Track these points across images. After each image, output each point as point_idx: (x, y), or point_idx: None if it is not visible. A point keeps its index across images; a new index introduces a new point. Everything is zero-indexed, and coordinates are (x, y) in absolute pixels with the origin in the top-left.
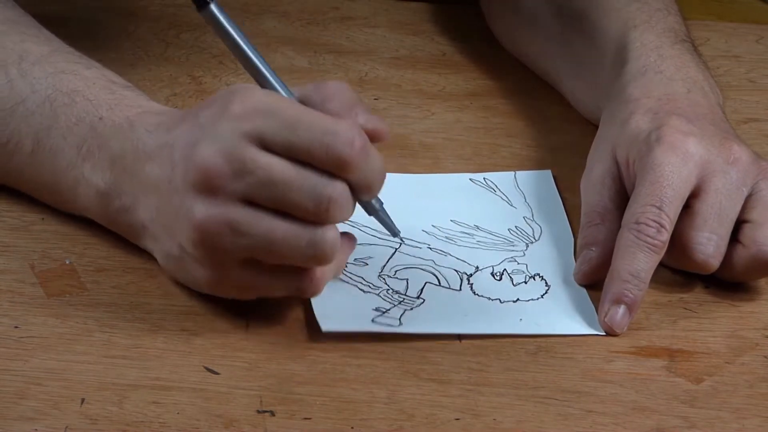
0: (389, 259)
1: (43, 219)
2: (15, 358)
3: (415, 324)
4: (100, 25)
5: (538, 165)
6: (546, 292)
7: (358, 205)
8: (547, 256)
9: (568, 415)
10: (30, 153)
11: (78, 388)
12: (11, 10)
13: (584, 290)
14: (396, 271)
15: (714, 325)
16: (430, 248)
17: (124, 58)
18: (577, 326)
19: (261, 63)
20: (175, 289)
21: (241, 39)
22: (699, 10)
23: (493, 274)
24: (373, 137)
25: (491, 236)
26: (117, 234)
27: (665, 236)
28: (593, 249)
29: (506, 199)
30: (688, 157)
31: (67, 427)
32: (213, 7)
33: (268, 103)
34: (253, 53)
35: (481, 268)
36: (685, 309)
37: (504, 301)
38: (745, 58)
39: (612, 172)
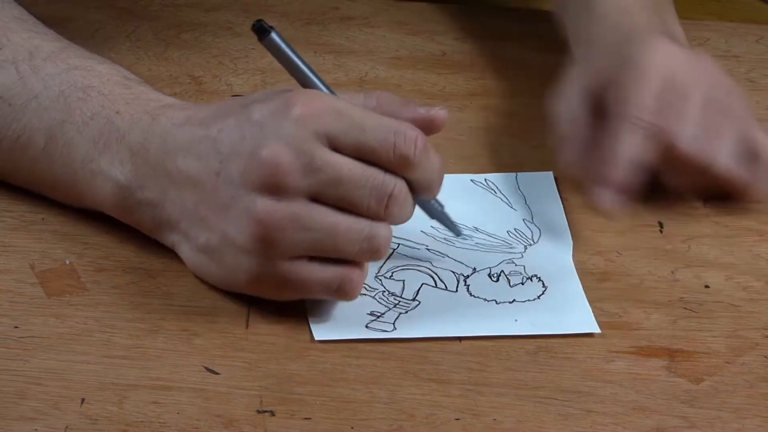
0: (386, 261)
1: (43, 219)
2: (15, 358)
3: (409, 328)
4: (100, 25)
5: (539, 165)
6: (543, 293)
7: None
8: (545, 258)
9: (568, 415)
10: (42, 148)
11: (78, 388)
12: (16, 9)
13: (581, 291)
14: (393, 273)
15: (714, 325)
16: (428, 249)
17: (124, 58)
18: (572, 326)
19: (320, 81)
20: (175, 289)
21: (300, 61)
22: (699, 10)
23: (490, 276)
24: (433, 124)
25: (490, 238)
26: (117, 234)
27: (650, 125)
28: (571, 141)
29: (506, 201)
30: (668, 54)
31: (67, 427)
32: (274, 35)
33: (334, 105)
34: (312, 73)
35: (479, 269)
36: (685, 309)
37: (500, 302)
38: (745, 58)
39: (588, 86)
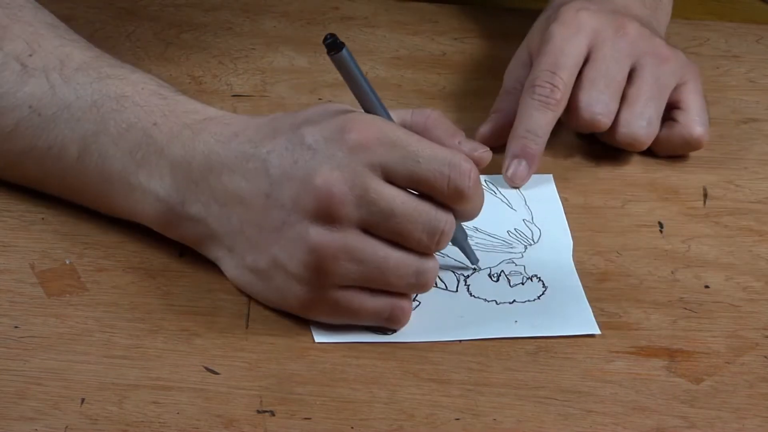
0: None
1: (43, 219)
2: (15, 358)
3: (409, 332)
4: (100, 25)
5: (539, 165)
6: (543, 293)
7: None
8: (546, 258)
9: (568, 415)
10: (76, 158)
11: (78, 388)
12: (49, 15)
13: (581, 291)
14: None
15: (714, 325)
16: None
17: (124, 58)
18: (573, 327)
19: (380, 104)
20: (175, 289)
21: (364, 81)
22: (699, 10)
23: (490, 276)
24: (477, 164)
25: (490, 238)
26: (117, 234)
27: (558, 95)
28: (496, 114)
29: (506, 202)
30: (579, 28)
31: (67, 427)
32: (344, 52)
33: (389, 133)
34: (373, 95)
35: (479, 269)
36: (685, 309)
37: (500, 303)
38: (745, 58)
39: (524, 60)
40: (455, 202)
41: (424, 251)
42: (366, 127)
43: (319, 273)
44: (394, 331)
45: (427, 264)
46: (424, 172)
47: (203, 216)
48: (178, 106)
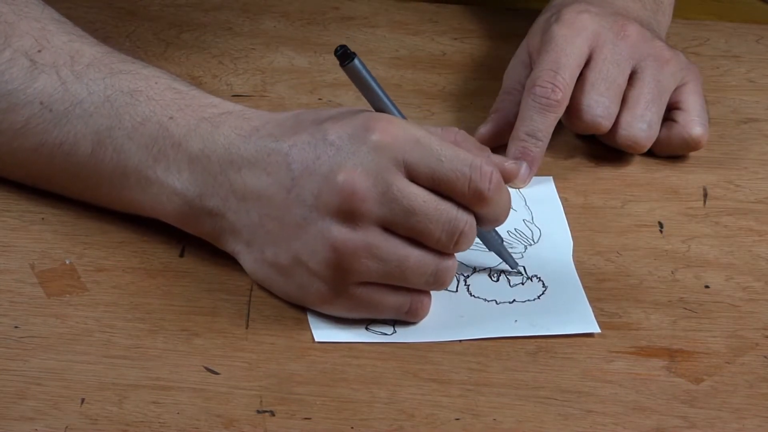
0: None
1: (43, 219)
2: (15, 358)
3: (409, 331)
4: (100, 25)
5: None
6: (543, 293)
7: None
8: (546, 258)
9: (568, 415)
10: (89, 154)
11: (78, 388)
12: (54, 12)
13: (582, 291)
14: None
15: (714, 325)
16: None
17: None
18: (572, 326)
19: (396, 110)
20: (175, 289)
21: (379, 88)
22: (699, 10)
23: (490, 276)
24: (504, 176)
25: None
26: (117, 234)
27: (559, 95)
28: (496, 115)
29: None
30: (581, 29)
31: (67, 427)
32: (356, 61)
33: (412, 132)
34: (389, 102)
35: (479, 269)
36: (685, 309)
37: (500, 302)
38: (745, 58)
39: (524, 60)
40: (475, 204)
41: (443, 250)
42: (389, 125)
43: (341, 270)
44: (395, 330)
45: (446, 263)
46: (446, 171)
47: (221, 210)
48: (195, 100)
